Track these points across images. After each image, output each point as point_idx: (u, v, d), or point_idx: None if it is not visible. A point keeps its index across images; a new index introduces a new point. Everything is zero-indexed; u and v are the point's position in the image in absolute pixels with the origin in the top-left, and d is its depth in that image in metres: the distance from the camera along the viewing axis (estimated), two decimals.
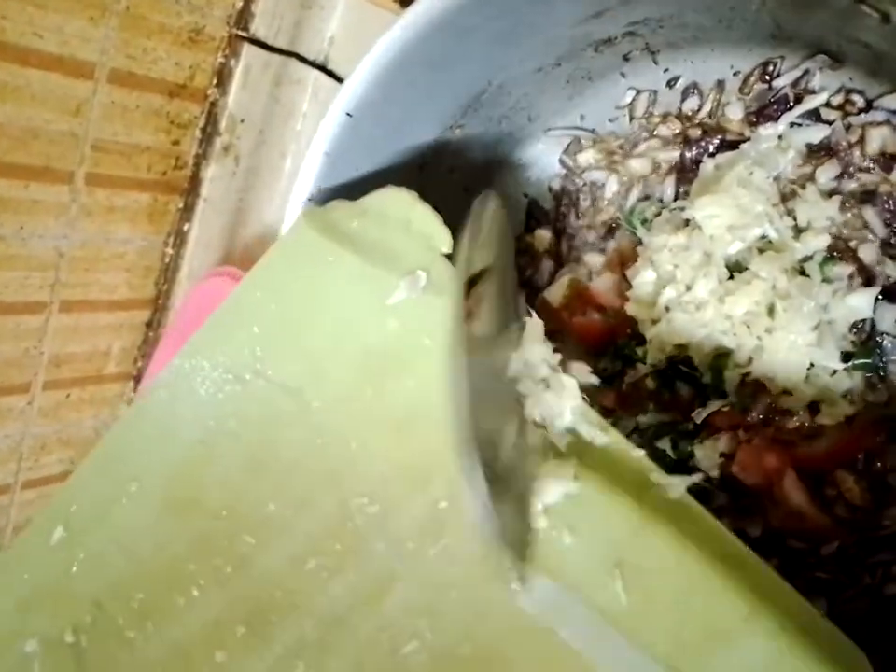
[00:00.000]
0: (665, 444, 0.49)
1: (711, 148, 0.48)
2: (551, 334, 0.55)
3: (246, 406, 0.37)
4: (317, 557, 0.34)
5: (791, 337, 0.42)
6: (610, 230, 0.52)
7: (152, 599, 0.35)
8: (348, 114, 0.42)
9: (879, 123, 0.43)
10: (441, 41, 0.40)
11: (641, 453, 0.34)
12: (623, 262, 0.51)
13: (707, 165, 0.47)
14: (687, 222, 0.45)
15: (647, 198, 0.50)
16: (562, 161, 0.54)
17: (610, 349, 0.51)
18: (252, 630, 0.34)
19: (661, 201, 0.49)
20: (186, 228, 0.83)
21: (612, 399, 0.51)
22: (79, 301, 0.78)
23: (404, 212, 0.37)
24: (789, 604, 0.32)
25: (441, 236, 0.37)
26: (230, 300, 0.39)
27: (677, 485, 0.32)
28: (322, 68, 0.84)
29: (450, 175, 0.53)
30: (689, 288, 0.44)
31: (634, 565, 0.31)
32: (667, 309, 0.45)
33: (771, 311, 0.42)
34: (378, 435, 0.35)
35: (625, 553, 0.31)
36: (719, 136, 0.47)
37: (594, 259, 0.53)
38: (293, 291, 0.37)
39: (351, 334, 0.36)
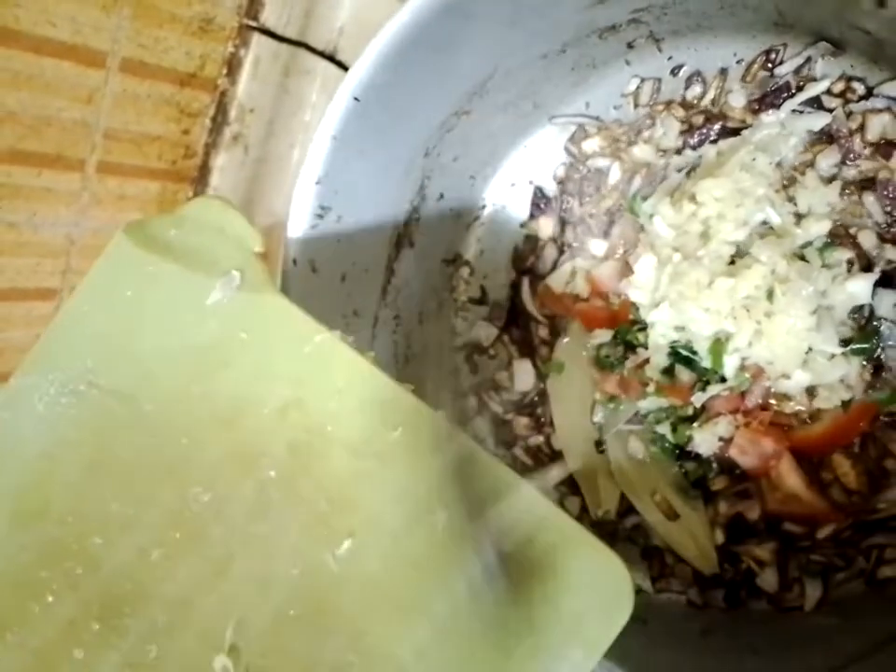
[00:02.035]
0: (664, 429, 0.50)
1: (713, 135, 0.48)
2: (551, 319, 0.56)
3: (83, 416, 0.39)
4: (161, 547, 0.37)
5: (790, 321, 0.42)
6: (613, 216, 0.53)
7: (8, 611, 0.37)
8: (356, 98, 0.43)
9: (880, 110, 0.43)
10: (447, 25, 0.41)
11: None
12: (627, 249, 0.52)
13: (710, 151, 0.48)
14: (688, 205, 0.46)
15: (650, 184, 0.50)
16: (567, 149, 0.55)
17: (612, 334, 0.52)
18: (106, 624, 0.36)
19: (661, 186, 0.49)
20: None
21: (614, 383, 0.52)
22: None
23: (218, 218, 0.40)
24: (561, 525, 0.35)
25: (252, 237, 0.39)
26: (59, 316, 0.42)
27: None
28: (331, 58, 0.85)
29: (454, 163, 0.53)
30: (688, 272, 0.44)
31: None
32: (667, 294, 0.45)
33: (770, 295, 0.43)
34: (207, 428, 0.37)
35: None
36: (720, 123, 0.48)
37: (597, 246, 0.53)
38: (118, 302, 0.40)
39: (175, 337, 0.39)
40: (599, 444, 0.53)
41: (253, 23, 0.78)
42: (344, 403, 0.36)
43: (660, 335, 0.47)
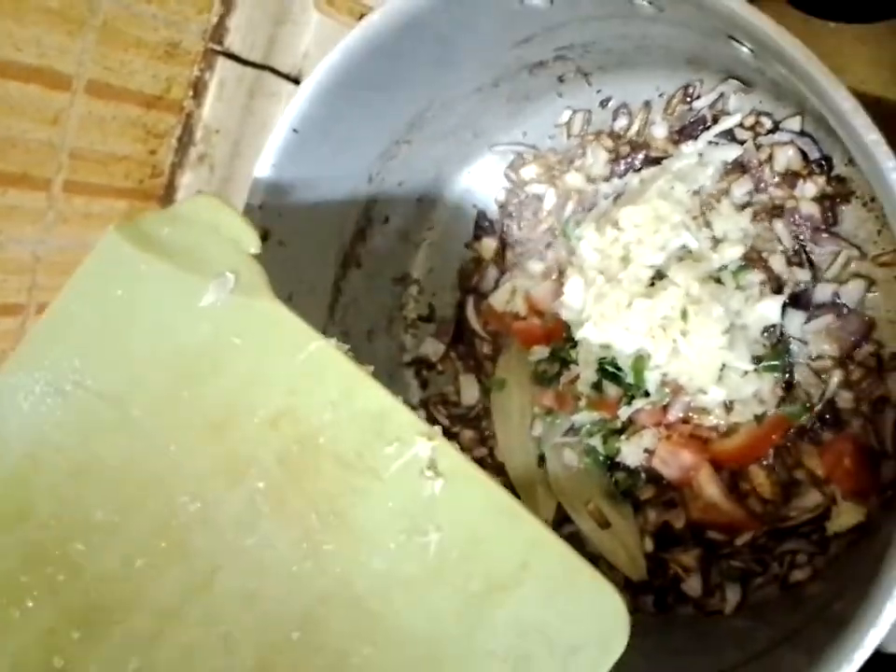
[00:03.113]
0: (596, 441, 0.52)
1: (637, 164, 0.51)
2: (494, 335, 0.58)
3: (69, 417, 0.38)
4: (145, 556, 0.36)
5: (703, 340, 0.45)
6: (549, 239, 0.55)
7: None
8: (294, 129, 0.45)
9: (784, 143, 0.46)
10: (378, 64, 0.43)
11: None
12: (561, 270, 0.54)
13: (634, 179, 0.50)
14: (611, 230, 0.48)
15: (582, 210, 0.53)
16: (507, 175, 0.58)
17: (548, 351, 0.54)
18: (86, 633, 0.35)
19: (591, 211, 0.52)
20: None
21: (550, 398, 0.54)
22: None
23: (213, 216, 0.39)
24: (557, 553, 0.34)
25: (248, 238, 0.38)
26: (47, 314, 0.40)
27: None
28: (296, 81, 0.87)
29: (399, 187, 0.56)
30: (609, 293, 0.47)
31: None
32: (591, 314, 0.48)
33: (684, 315, 0.45)
34: (196, 435, 0.37)
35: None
36: (644, 152, 0.51)
37: (534, 267, 0.56)
38: (108, 301, 0.39)
39: (166, 339, 0.37)
40: (538, 457, 0.56)
41: (218, 48, 0.80)
42: (339, 415, 0.35)
43: (588, 352, 0.50)
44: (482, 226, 0.59)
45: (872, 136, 0.28)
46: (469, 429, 0.60)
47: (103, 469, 0.37)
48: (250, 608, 0.35)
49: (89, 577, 0.36)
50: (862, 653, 0.29)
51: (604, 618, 0.32)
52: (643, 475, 0.52)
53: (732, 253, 0.47)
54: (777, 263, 0.47)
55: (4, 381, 0.39)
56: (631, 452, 0.50)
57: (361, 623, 0.34)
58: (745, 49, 0.35)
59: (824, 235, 0.46)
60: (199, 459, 0.37)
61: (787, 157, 0.46)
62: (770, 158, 0.47)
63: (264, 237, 0.48)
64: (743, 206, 0.48)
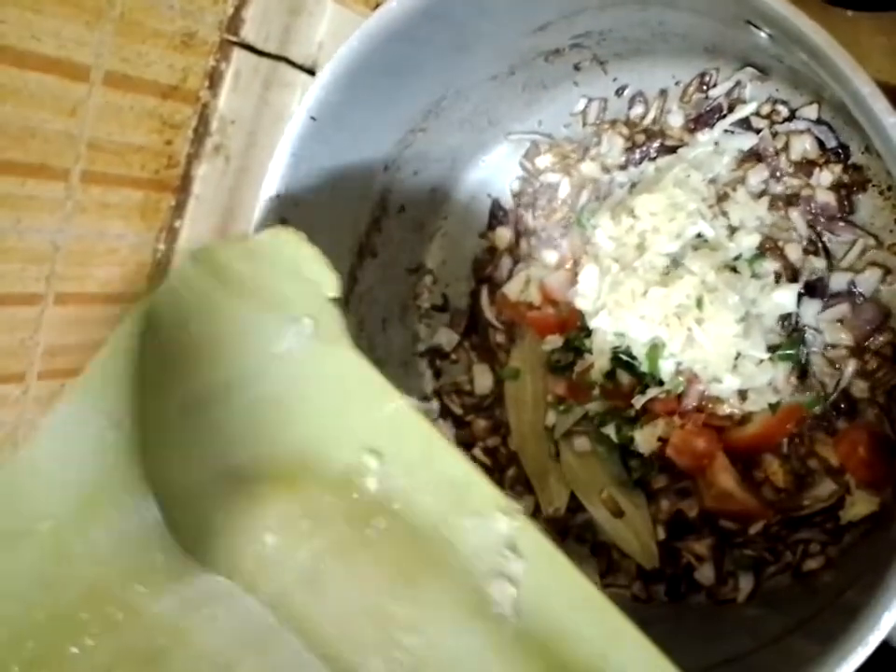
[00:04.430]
0: (609, 430, 0.52)
1: (653, 152, 0.51)
2: (508, 325, 0.59)
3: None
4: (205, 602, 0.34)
5: (718, 328, 0.45)
6: (564, 229, 0.55)
7: (45, 649, 0.33)
8: (312, 117, 0.46)
9: (801, 132, 0.46)
10: (396, 51, 0.44)
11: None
12: (575, 259, 0.54)
13: (649, 168, 0.50)
14: (627, 219, 0.48)
15: (597, 199, 0.53)
16: (522, 164, 0.58)
17: (562, 341, 0.55)
18: None
19: (606, 200, 0.52)
20: (177, 225, 0.86)
21: (564, 387, 0.55)
22: (74, 293, 0.81)
23: (292, 254, 0.36)
24: (639, 647, 0.32)
25: (328, 282, 0.35)
26: (111, 345, 0.37)
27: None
28: (311, 72, 0.87)
29: (415, 176, 0.56)
30: (625, 281, 0.47)
31: None
32: (606, 302, 0.48)
33: (700, 303, 0.45)
34: (269, 483, 0.35)
35: None
36: (659, 141, 0.51)
37: (549, 256, 0.56)
38: (181, 336, 0.36)
39: (238, 384, 0.35)
40: (551, 445, 0.56)
41: (234, 38, 0.81)
42: (416, 480, 0.33)
43: (602, 341, 0.50)
44: (496, 215, 0.59)
45: (891, 119, 0.28)
46: (483, 419, 0.60)
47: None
48: (306, 666, 0.33)
49: (147, 619, 0.34)
50: (878, 635, 0.29)
51: None
52: (656, 464, 0.52)
53: (748, 241, 0.47)
54: (793, 252, 0.47)
55: (67, 409, 0.37)
56: (645, 440, 0.50)
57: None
58: (763, 35, 0.34)
59: (840, 224, 0.46)
60: (271, 506, 0.34)
61: (803, 145, 0.46)
62: (786, 146, 0.47)
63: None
64: (759, 195, 0.48)
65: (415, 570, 0.33)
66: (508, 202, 0.59)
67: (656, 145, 0.51)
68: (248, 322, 0.35)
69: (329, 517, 0.34)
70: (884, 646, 0.41)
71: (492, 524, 0.32)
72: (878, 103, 0.28)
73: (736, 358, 0.46)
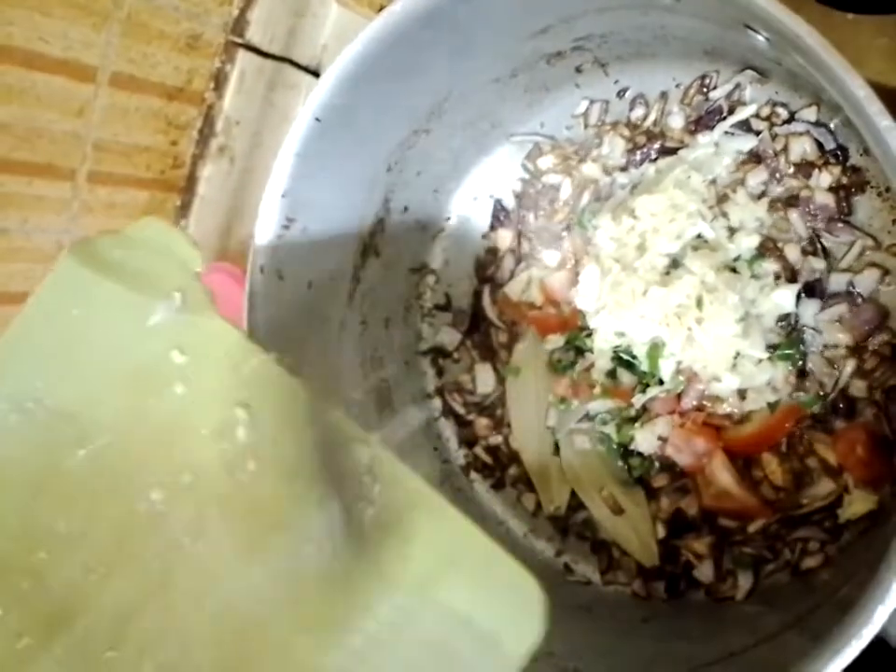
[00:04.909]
0: (610, 429, 0.53)
1: (653, 154, 0.51)
2: (510, 325, 0.59)
3: (30, 434, 0.39)
4: (105, 563, 0.37)
5: (718, 328, 0.45)
6: (565, 229, 0.56)
7: None
8: (316, 118, 0.46)
9: (800, 134, 0.47)
10: (399, 53, 0.44)
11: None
12: (577, 260, 0.55)
13: (650, 169, 0.51)
14: (628, 219, 0.49)
15: (598, 200, 0.54)
16: (524, 166, 0.58)
17: (563, 340, 0.55)
18: (50, 638, 0.36)
19: (607, 201, 0.53)
20: (182, 225, 0.87)
21: (565, 386, 0.55)
22: None
23: (162, 239, 0.40)
24: (482, 547, 0.35)
25: (194, 258, 0.40)
26: (8, 334, 0.41)
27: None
28: (315, 74, 0.88)
29: (418, 177, 0.57)
30: (625, 281, 0.47)
31: None
32: (607, 302, 0.48)
33: (699, 303, 0.46)
34: (150, 447, 0.38)
35: None
36: (660, 142, 0.51)
37: (550, 257, 0.56)
38: (64, 322, 0.40)
39: (118, 358, 0.39)
40: (553, 444, 0.57)
41: (239, 40, 0.82)
42: (278, 427, 0.37)
43: (603, 340, 0.50)
44: (498, 216, 0.60)
45: (885, 122, 0.28)
46: (484, 417, 0.60)
47: (64, 483, 0.39)
48: (202, 608, 0.36)
49: (52, 584, 0.37)
50: (871, 629, 0.30)
51: (523, 605, 0.34)
52: (657, 462, 0.52)
53: (747, 242, 0.47)
54: (792, 253, 0.47)
55: None
56: (645, 439, 0.51)
57: (304, 617, 0.36)
58: (761, 39, 0.35)
59: (839, 225, 0.46)
60: (152, 470, 0.38)
61: (802, 147, 0.46)
62: (785, 148, 0.47)
63: (287, 225, 0.50)
64: (759, 196, 0.48)
65: (286, 505, 0.37)
66: (510, 202, 0.59)
67: (657, 146, 0.51)
68: (124, 302, 0.39)
69: (206, 468, 0.37)
70: (883, 645, 0.42)
71: (353, 454, 0.37)
72: (873, 106, 0.28)
73: (736, 358, 0.47)
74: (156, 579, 0.37)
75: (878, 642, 0.41)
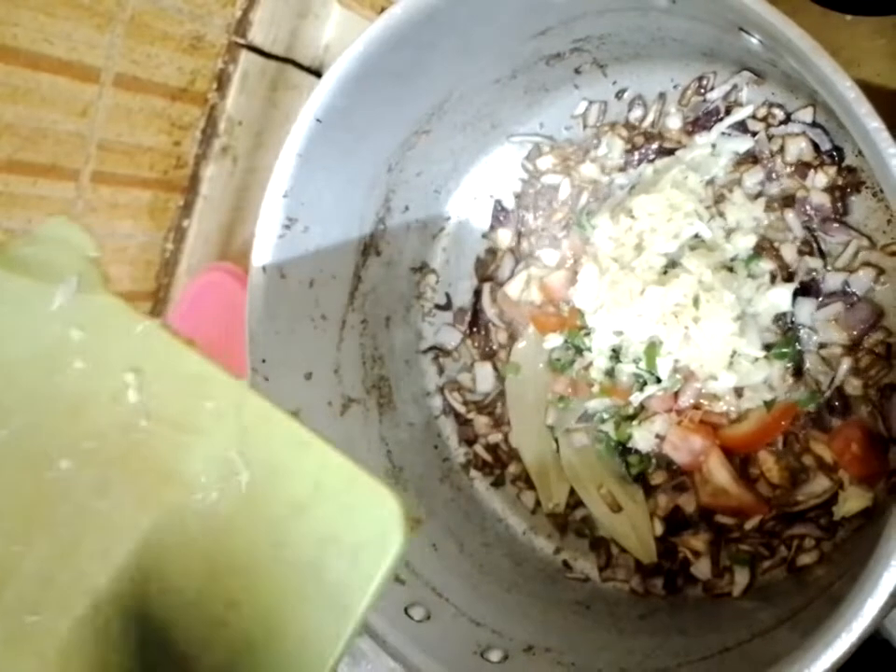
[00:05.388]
0: (608, 427, 0.53)
1: (651, 154, 0.52)
2: (509, 324, 0.60)
3: None
4: (25, 534, 0.40)
5: (714, 326, 0.46)
6: (564, 229, 0.56)
7: None
8: (318, 119, 0.47)
9: (796, 134, 0.47)
10: (400, 54, 0.45)
11: None
12: (575, 259, 0.55)
13: (648, 169, 0.51)
14: (626, 219, 0.49)
15: (596, 200, 0.54)
16: (523, 166, 0.59)
17: (562, 339, 0.56)
18: None
19: (605, 202, 0.53)
20: (185, 224, 0.88)
21: (564, 385, 0.56)
22: None
23: (61, 232, 0.44)
24: (343, 470, 0.38)
25: (88, 244, 0.44)
26: None
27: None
28: (317, 74, 0.89)
29: (419, 177, 0.57)
30: (623, 280, 0.48)
31: None
32: (605, 301, 0.49)
33: (696, 302, 0.46)
34: (59, 420, 0.42)
35: None
36: (658, 143, 0.52)
37: (549, 257, 0.57)
38: None
39: (27, 343, 0.43)
40: (552, 442, 0.57)
41: (241, 41, 0.82)
42: (164, 384, 0.41)
43: (601, 339, 0.51)
44: (498, 216, 0.60)
45: (874, 124, 0.29)
46: (484, 415, 0.61)
47: None
48: (108, 564, 0.39)
49: None
50: (861, 622, 0.30)
51: (383, 520, 0.36)
52: (654, 460, 0.53)
53: (744, 242, 0.48)
54: (789, 252, 0.48)
55: None
56: (643, 437, 0.51)
57: (196, 562, 0.39)
58: (754, 42, 0.35)
59: (834, 225, 0.47)
60: (60, 441, 0.41)
61: (798, 148, 0.47)
62: (782, 149, 0.47)
63: (288, 225, 0.50)
64: (755, 196, 0.49)
65: (176, 457, 0.40)
66: (509, 203, 0.60)
67: (655, 147, 0.52)
68: (30, 292, 0.43)
69: (106, 432, 0.41)
70: (886, 647, 0.42)
71: (226, 402, 0.40)
72: (862, 107, 0.29)
73: (732, 357, 0.47)
74: (68, 541, 0.40)
75: (882, 643, 0.42)
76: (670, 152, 0.51)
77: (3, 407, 0.42)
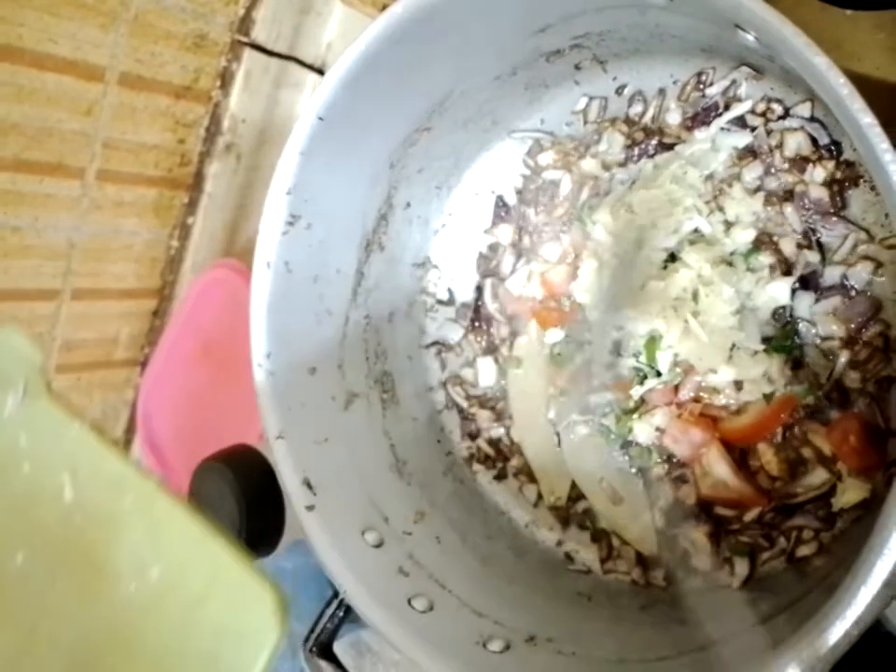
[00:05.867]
0: (609, 420, 0.54)
1: (651, 150, 0.52)
2: (511, 319, 0.60)
3: None
4: None
5: (714, 320, 0.46)
6: (565, 224, 0.57)
7: None
8: (320, 118, 0.47)
9: (795, 129, 0.47)
10: (401, 52, 0.45)
11: None
12: (576, 254, 0.56)
13: (648, 165, 0.52)
14: (626, 214, 0.50)
15: (597, 195, 0.55)
16: (524, 162, 0.59)
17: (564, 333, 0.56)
18: None
19: (606, 197, 0.54)
20: (190, 222, 0.89)
21: (565, 379, 0.56)
22: (90, 289, 0.84)
23: (10, 341, 0.48)
24: (235, 566, 0.41)
25: (32, 352, 0.48)
26: None
27: None
28: (320, 72, 0.89)
29: (420, 174, 0.58)
30: (623, 275, 0.48)
31: None
32: (605, 296, 0.49)
33: (696, 296, 0.47)
34: (12, 516, 0.46)
35: None
36: (657, 138, 0.52)
37: (550, 252, 0.57)
38: None
39: None
40: (553, 435, 0.58)
41: (245, 39, 0.83)
42: (93, 483, 0.45)
43: (602, 333, 0.51)
44: (499, 212, 0.61)
45: (867, 120, 0.29)
46: (487, 410, 0.61)
47: None
48: (60, 650, 0.44)
49: None
50: (854, 610, 0.30)
51: (265, 613, 0.39)
52: (655, 453, 0.53)
53: (743, 236, 0.48)
54: (787, 246, 0.48)
55: None
56: (643, 430, 0.52)
57: (124, 650, 0.42)
58: (750, 38, 0.36)
59: (833, 219, 0.47)
60: (15, 535, 0.46)
61: (797, 142, 0.47)
62: (780, 143, 0.48)
63: (291, 222, 0.51)
64: (754, 191, 0.49)
65: (105, 551, 0.44)
66: (511, 198, 0.60)
67: (654, 142, 0.52)
68: None
69: (50, 528, 0.46)
70: (890, 639, 0.42)
71: (140, 501, 0.44)
72: (855, 103, 0.29)
73: (731, 350, 0.48)
74: (26, 628, 0.45)
75: (885, 635, 0.42)
76: (670, 147, 0.52)
77: None
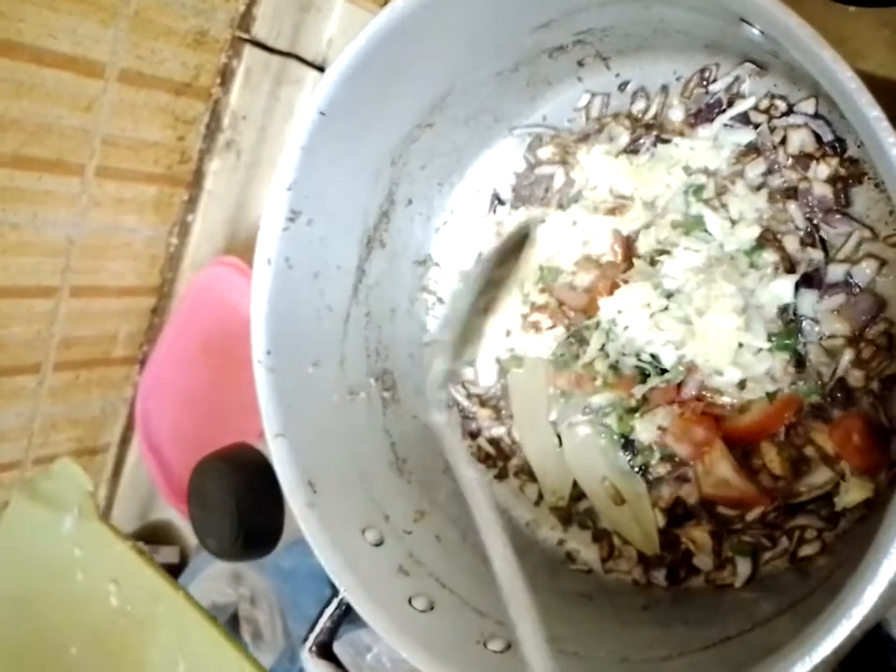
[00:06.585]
0: (611, 420, 0.54)
1: (649, 144, 0.52)
2: None
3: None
4: None
5: (718, 319, 0.46)
6: None
7: None
8: (321, 112, 0.47)
9: (799, 126, 0.47)
10: (403, 48, 0.45)
11: None
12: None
13: (644, 159, 0.52)
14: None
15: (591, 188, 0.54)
16: (525, 158, 0.59)
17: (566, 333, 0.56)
18: None
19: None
20: (190, 219, 0.88)
21: (567, 378, 0.56)
22: (89, 286, 0.83)
23: (68, 471, 0.61)
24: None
25: (85, 481, 0.60)
26: None
27: None
28: (320, 69, 0.89)
29: (422, 170, 0.57)
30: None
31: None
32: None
33: (700, 294, 0.46)
34: (69, 617, 0.58)
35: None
36: (656, 132, 0.52)
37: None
38: (11, 539, 0.62)
39: (45, 558, 0.59)
40: (554, 435, 0.57)
41: (245, 36, 0.83)
42: (133, 592, 0.55)
43: (605, 331, 0.51)
44: (495, 208, 0.60)
45: (874, 113, 0.29)
46: (488, 409, 0.61)
47: (8, 654, 0.61)
48: None
49: None
50: (861, 609, 0.30)
51: None
52: (657, 452, 0.53)
53: (747, 234, 0.48)
54: (791, 244, 0.48)
55: None
56: (645, 429, 0.51)
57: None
58: (756, 32, 0.35)
59: (837, 216, 0.46)
60: (69, 632, 0.58)
61: (801, 139, 0.47)
62: (784, 140, 0.47)
63: (292, 218, 0.50)
64: (758, 188, 0.48)
65: (141, 645, 0.56)
66: (509, 195, 0.60)
67: (653, 136, 0.52)
68: (48, 519, 0.59)
69: (99, 626, 0.57)
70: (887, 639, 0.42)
71: (171, 610, 0.54)
72: (863, 97, 0.29)
73: (737, 350, 0.47)
74: None
75: (886, 639, 0.42)
76: (668, 142, 0.51)
77: (25, 601, 0.59)
